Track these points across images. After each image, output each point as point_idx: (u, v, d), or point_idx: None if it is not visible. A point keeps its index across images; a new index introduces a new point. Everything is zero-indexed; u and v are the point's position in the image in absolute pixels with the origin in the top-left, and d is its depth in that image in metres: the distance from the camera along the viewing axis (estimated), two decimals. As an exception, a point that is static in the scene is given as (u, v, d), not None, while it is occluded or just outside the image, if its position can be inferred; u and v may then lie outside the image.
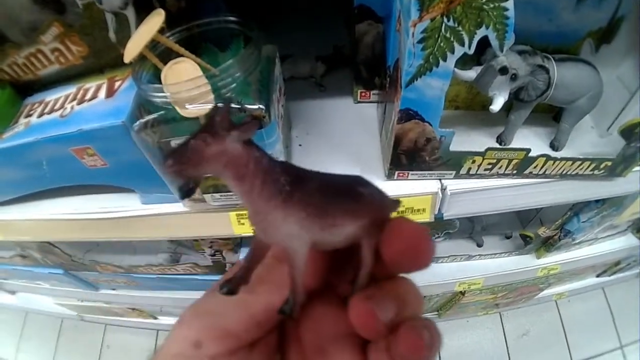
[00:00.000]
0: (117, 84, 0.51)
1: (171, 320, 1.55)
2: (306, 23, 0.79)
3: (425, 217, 0.61)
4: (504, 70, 0.47)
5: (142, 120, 0.44)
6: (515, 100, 0.57)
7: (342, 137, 0.66)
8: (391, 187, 0.58)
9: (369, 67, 0.65)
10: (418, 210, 0.60)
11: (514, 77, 0.51)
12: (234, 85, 0.42)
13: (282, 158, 0.53)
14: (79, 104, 0.50)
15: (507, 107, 0.59)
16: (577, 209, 0.88)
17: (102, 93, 0.50)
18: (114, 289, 1.22)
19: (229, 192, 0.55)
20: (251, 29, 0.46)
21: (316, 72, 0.72)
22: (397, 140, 0.51)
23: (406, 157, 0.54)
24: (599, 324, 1.62)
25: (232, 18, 0.46)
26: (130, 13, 0.44)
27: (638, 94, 0.60)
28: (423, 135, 0.50)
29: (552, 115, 0.70)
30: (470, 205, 0.63)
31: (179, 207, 0.62)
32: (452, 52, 0.41)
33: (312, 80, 0.74)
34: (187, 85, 0.39)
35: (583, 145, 0.66)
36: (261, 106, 0.43)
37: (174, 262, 1.01)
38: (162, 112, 0.43)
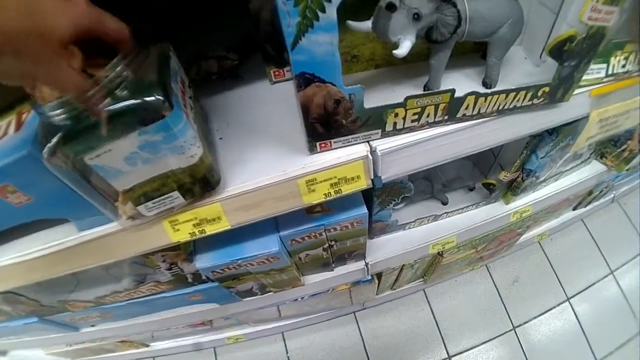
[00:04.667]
0: (23, 116, 0.50)
1: (164, 345, 1.52)
2: (217, 19, 0.76)
3: (362, 185, 0.57)
4: (391, 7, 0.43)
5: (49, 145, 0.41)
6: (430, 42, 0.53)
7: (263, 121, 0.62)
8: (317, 162, 0.54)
9: (274, 44, 0.60)
10: (352, 178, 0.56)
11: (417, 17, 0.46)
12: (124, 82, 0.41)
13: (199, 147, 0.50)
14: (-9, 143, 0.49)
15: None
16: (532, 146, 0.85)
17: (12, 128, 0.49)
18: (93, 326, 1.19)
19: (161, 196, 0.52)
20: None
21: (226, 63, 0.68)
22: (305, 108, 0.46)
23: (321, 125, 0.49)
24: (585, 255, 1.63)
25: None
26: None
27: (561, 12, 0.57)
28: (330, 97, 0.46)
29: (480, 54, 0.67)
30: (409, 162, 0.59)
31: (115, 226, 0.59)
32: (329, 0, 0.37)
33: (227, 74, 0.70)
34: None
35: (519, 78, 0.63)
36: (158, 96, 0.42)
37: (138, 284, 0.97)
38: (64, 130, 0.41)
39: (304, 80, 0.44)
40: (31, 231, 0.63)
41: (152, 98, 0.42)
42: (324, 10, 0.38)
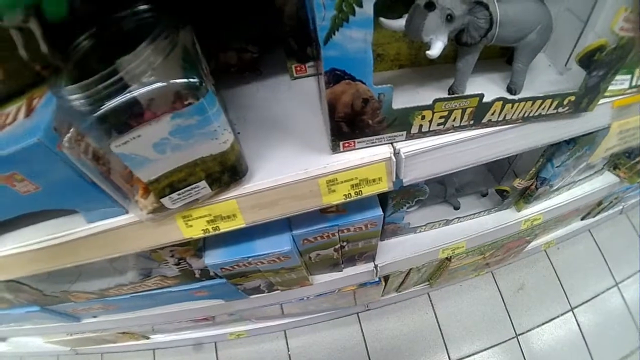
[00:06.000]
0: (34, 101, 0.48)
1: (165, 338, 1.51)
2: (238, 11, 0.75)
3: (383, 187, 0.56)
4: (430, 6, 0.42)
5: (69, 134, 0.40)
6: (459, 45, 0.52)
7: (282, 117, 0.61)
8: (339, 161, 0.53)
9: (298, 38, 0.59)
10: (374, 180, 0.55)
11: (450, 18, 0.45)
12: (150, 70, 0.39)
13: (231, 132, 0.49)
14: (0, 129, 0.47)
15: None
16: (549, 154, 0.84)
17: (22, 114, 0.47)
18: (95, 317, 1.18)
19: (187, 187, 0.51)
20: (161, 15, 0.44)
21: (246, 56, 0.67)
22: (331, 106, 0.46)
23: (347, 125, 0.48)
24: (591, 266, 1.62)
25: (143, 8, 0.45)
26: (34, 25, 0.41)
27: (589, 21, 0.56)
28: (358, 96, 0.45)
29: (505, 59, 0.66)
30: (431, 166, 0.58)
31: (125, 219, 0.58)
32: (367, -6, 0.36)
33: (246, 67, 0.69)
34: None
35: (542, 85, 0.62)
36: (192, 79, 0.41)
37: (144, 278, 0.96)
38: (89, 115, 0.39)
39: (334, 77, 0.43)
40: (38, 220, 0.61)
41: (188, 80, 0.40)
42: (360, 5, 0.37)
